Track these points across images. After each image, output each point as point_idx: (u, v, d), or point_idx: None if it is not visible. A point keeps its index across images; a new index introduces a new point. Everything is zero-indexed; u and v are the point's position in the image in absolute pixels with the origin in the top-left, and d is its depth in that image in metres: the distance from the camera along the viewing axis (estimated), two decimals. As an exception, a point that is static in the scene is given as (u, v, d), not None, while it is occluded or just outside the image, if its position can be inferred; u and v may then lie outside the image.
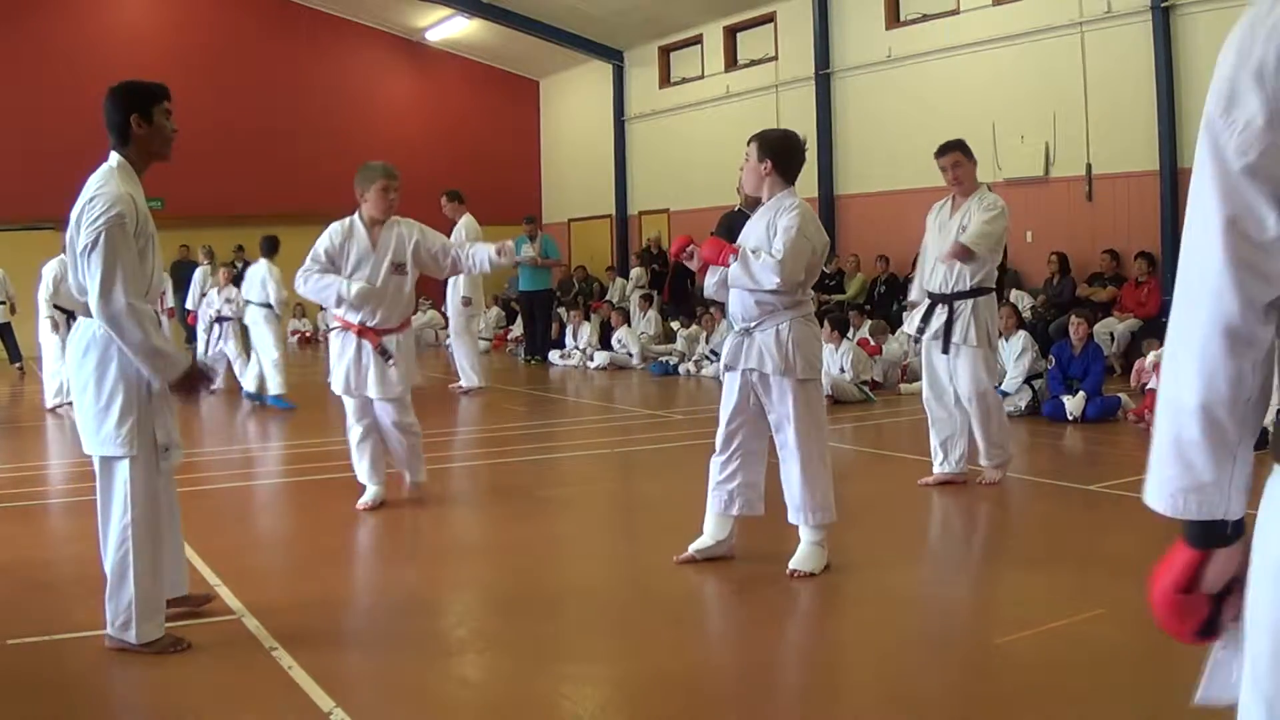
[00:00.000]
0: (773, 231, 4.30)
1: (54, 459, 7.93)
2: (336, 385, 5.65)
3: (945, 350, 5.88)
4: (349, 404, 5.69)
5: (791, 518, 4.35)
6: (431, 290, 16.54)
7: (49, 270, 10.45)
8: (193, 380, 3.52)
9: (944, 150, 6.06)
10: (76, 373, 3.53)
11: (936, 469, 6.07)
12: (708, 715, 3.12)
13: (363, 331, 5.57)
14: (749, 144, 4.53)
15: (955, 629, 3.77)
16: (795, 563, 4.30)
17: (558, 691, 3.31)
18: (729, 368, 4.41)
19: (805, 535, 4.34)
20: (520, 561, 5.00)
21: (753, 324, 4.32)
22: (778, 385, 4.27)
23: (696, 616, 4.00)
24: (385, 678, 3.36)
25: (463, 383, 11.16)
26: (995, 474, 5.99)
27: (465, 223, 11.36)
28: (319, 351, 17.59)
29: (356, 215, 5.71)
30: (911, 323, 6.21)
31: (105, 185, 3.44)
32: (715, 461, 4.47)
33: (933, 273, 6.01)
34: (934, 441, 6.09)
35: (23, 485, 6.73)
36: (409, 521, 5.84)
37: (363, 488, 5.74)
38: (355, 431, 5.72)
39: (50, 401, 10.11)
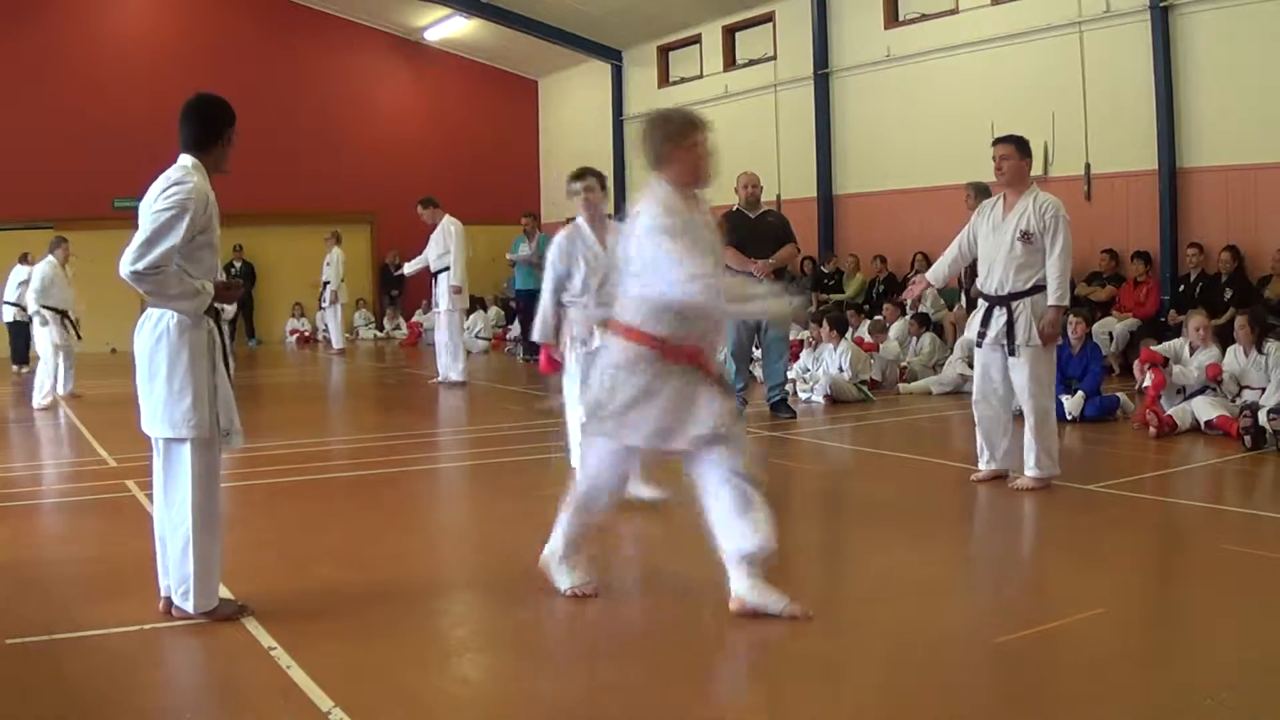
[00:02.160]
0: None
1: (54, 459, 7.93)
2: (633, 437, 3.84)
3: (1013, 353, 5.80)
4: (605, 470, 3.99)
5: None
6: (426, 289, 16.54)
7: (38, 271, 10.83)
8: (222, 294, 3.90)
9: (999, 140, 5.99)
10: (148, 360, 3.79)
11: (983, 465, 6.07)
12: (707, 714, 3.12)
13: (693, 355, 3.81)
14: (591, 178, 5.59)
15: (955, 628, 3.77)
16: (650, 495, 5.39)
17: (557, 691, 3.31)
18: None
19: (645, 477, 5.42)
20: (520, 561, 4.99)
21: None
22: None
23: (695, 616, 4.00)
24: (384, 677, 3.36)
25: (452, 376, 11.36)
26: (1031, 483, 5.83)
27: (448, 221, 11.55)
28: (316, 351, 17.60)
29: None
30: (971, 327, 6.12)
31: (189, 177, 3.76)
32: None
33: (988, 275, 5.93)
34: (979, 440, 6.09)
35: (23, 485, 6.73)
36: (407, 522, 5.85)
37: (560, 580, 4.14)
38: (598, 506, 4.08)
39: (38, 401, 10.26)
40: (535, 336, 5.92)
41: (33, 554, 4.97)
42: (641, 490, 5.48)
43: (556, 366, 5.84)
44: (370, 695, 3.20)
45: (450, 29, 19.28)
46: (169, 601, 3.89)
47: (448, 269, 11.52)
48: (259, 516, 5.62)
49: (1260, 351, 7.62)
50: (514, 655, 3.66)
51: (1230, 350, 7.80)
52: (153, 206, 3.70)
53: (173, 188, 3.71)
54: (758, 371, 9.89)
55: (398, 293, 19.19)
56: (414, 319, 18.85)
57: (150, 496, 4.85)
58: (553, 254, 5.69)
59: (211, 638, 3.72)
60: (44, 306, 10.74)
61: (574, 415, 5.47)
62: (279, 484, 6.58)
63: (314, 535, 5.44)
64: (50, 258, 10.86)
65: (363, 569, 4.79)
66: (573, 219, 5.83)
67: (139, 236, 3.65)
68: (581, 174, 5.79)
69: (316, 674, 3.32)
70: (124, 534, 5.37)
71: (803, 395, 9.85)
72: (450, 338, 11.56)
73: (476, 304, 16.39)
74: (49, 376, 10.47)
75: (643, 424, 3.79)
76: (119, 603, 4.13)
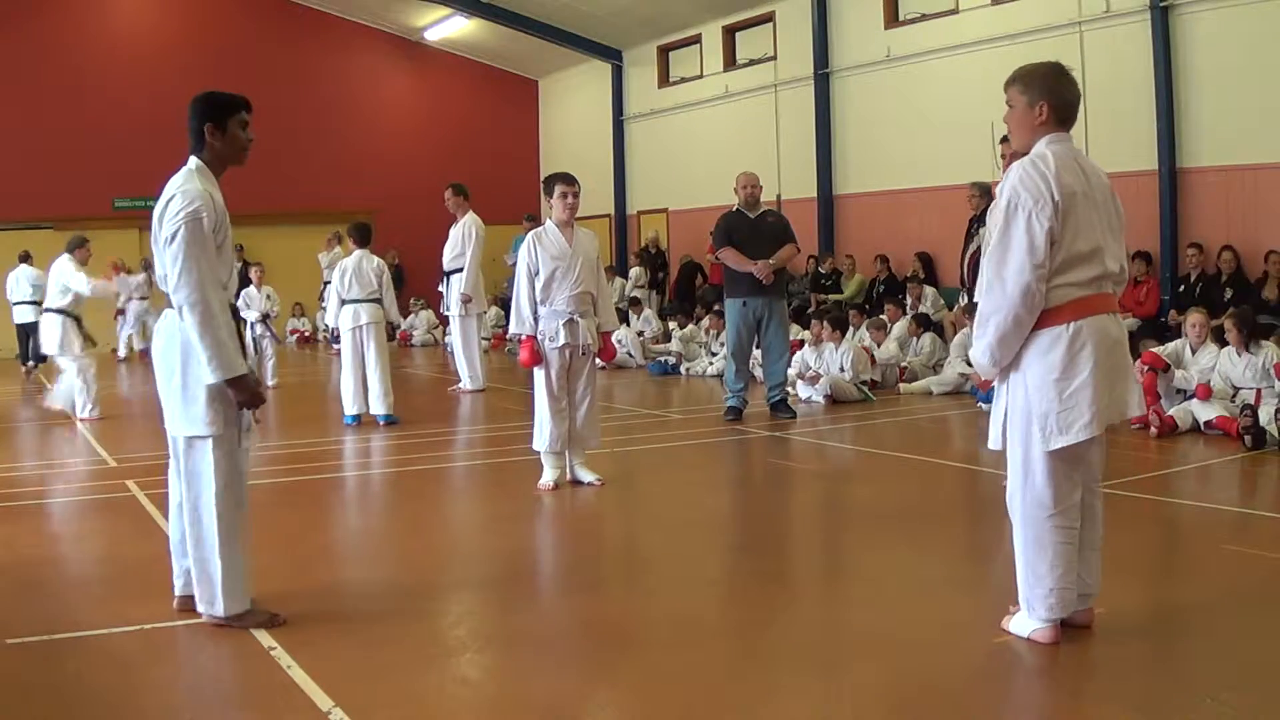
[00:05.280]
0: None
1: (54, 459, 7.93)
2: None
3: None
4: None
5: (591, 446, 6.30)
6: (424, 289, 16.55)
7: (66, 271, 9.49)
8: (245, 387, 3.69)
9: (1006, 138, 5.83)
10: (165, 359, 3.76)
11: None
12: (707, 715, 3.12)
13: None
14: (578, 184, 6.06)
15: (955, 628, 3.77)
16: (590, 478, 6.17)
17: (557, 691, 3.31)
18: (568, 345, 6.01)
19: (583, 461, 6.23)
20: (520, 561, 5.01)
21: (578, 315, 6.03)
22: (589, 355, 6.15)
23: (696, 616, 4.00)
24: (384, 677, 3.36)
25: (465, 384, 11.03)
26: None
27: (473, 221, 11.09)
28: (317, 352, 17.59)
29: None
30: None
31: (186, 184, 3.67)
32: (558, 411, 6.03)
33: None
34: None
35: (23, 485, 6.73)
36: (407, 522, 5.85)
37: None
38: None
39: (86, 412, 9.30)
40: (514, 329, 6.24)
41: (33, 554, 4.97)
42: (583, 474, 6.22)
43: (539, 359, 6.04)
44: (370, 695, 3.21)
45: (450, 29, 19.29)
46: (184, 599, 3.88)
47: (461, 270, 10.97)
48: (259, 517, 5.59)
49: (1250, 352, 7.61)
50: (514, 655, 3.66)
51: (1224, 351, 7.80)
52: (163, 231, 3.61)
53: (172, 203, 3.61)
54: (758, 372, 9.89)
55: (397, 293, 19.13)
56: (403, 328, 18.29)
57: (153, 497, 4.85)
58: (524, 253, 6.08)
59: (212, 638, 3.72)
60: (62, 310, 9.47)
61: (543, 405, 6.11)
62: (279, 484, 6.58)
63: (314, 535, 5.45)
64: (67, 257, 9.57)
65: (363, 569, 4.80)
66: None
67: (175, 271, 3.58)
68: (573, 179, 6.14)
69: (317, 674, 3.32)
70: (124, 534, 5.37)
71: (802, 394, 9.83)
72: (465, 345, 10.97)
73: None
74: (90, 384, 9.39)
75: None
76: (119, 603, 4.13)
